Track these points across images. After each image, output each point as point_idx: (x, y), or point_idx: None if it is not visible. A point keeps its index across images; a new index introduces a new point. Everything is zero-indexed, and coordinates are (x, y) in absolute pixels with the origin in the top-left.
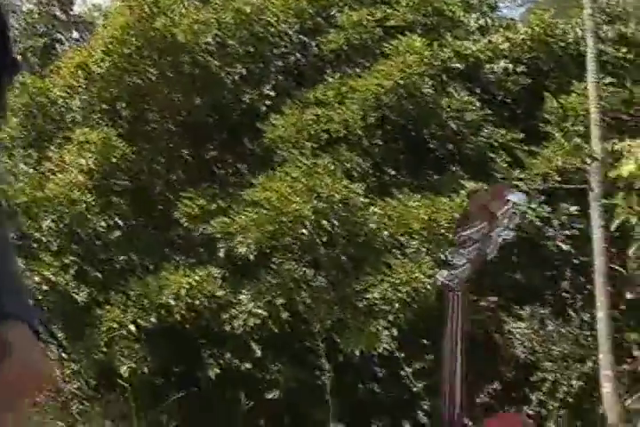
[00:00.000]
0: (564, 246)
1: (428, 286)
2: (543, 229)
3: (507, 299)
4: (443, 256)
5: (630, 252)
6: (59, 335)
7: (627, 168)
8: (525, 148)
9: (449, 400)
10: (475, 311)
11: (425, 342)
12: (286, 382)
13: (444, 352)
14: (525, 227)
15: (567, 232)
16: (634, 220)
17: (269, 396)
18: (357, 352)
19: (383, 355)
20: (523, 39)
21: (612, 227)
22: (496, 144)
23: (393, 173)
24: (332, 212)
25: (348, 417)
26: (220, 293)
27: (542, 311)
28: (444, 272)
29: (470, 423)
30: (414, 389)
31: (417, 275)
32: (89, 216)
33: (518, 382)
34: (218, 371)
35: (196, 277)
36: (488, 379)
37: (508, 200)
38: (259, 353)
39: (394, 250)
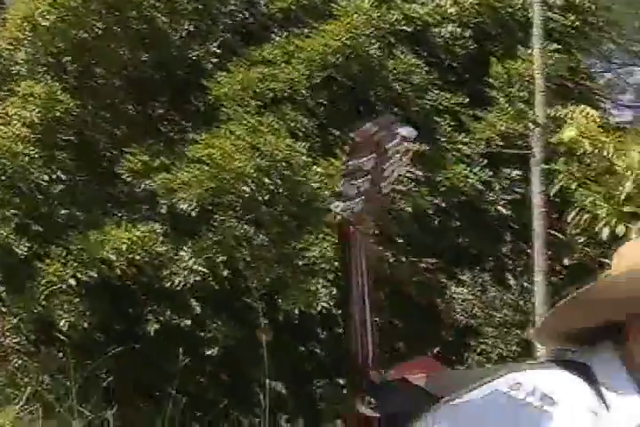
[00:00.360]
0: (505, 211)
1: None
2: (484, 193)
3: (447, 262)
4: (336, 188)
5: (569, 217)
6: None
7: (567, 134)
8: (470, 112)
9: (361, 350)
10: (414, 273)
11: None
12: (225, 339)
13: (350, 296)
14: (467, 190)
15: (508, 197)
16: (573, 185)
17: (208, 353)
18: (297, 311)
19: (324, 314)
20: (471, 3)
21: (552, 192)
22: (441, 108)
23: (337, 133)
24: (274, 170)
25: (287, 376)
26: (161, 249)
27: (483, 276)
28: (339, 204)
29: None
30: None
31: None
32: (31, 169)
33: (458, 346)
34: (157, 327)
35: (138, 233)
36: (428, 342)
37: (397, 134)
38: (198, 310)
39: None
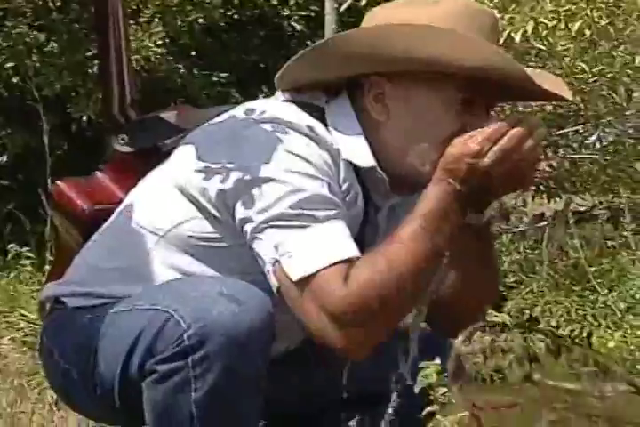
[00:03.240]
0: (298, 26)
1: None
2: (279, 8)
3: (241, 79)
4: None
5: None
6: None
7: None
8: None
9: (118, 89)
10: (206, 86)
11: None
12: (14, 147)
13: (106, 37)
14: (261, 4)
15: (302, 12)
16: (363, 2)
17: None
18: (85, 118)
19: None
20: None
21: (342, 8)
22: None
23: None
24: None
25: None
26: None
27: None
28: None
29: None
30: None
31: (147, 44)
32: None
33: None
34: None
35: None
36: None
37: None
38: None
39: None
